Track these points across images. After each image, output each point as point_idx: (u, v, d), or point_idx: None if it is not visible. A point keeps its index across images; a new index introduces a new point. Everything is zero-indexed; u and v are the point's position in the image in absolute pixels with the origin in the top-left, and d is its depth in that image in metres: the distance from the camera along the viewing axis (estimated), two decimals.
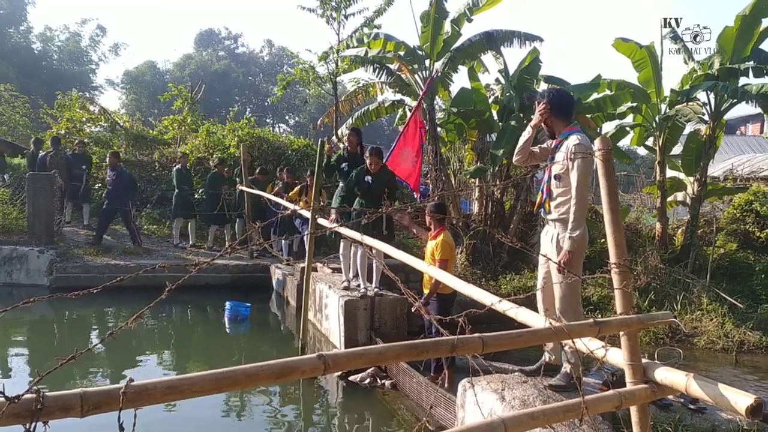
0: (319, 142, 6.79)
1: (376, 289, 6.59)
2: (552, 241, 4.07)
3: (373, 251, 5.68)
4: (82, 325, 8.58)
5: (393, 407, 5.35)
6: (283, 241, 9.37)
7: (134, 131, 14.58)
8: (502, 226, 12.95)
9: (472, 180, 13.75)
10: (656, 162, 13.06)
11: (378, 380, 5.79)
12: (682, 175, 13.02)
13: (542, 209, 4.09)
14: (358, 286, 6.89)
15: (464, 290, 3.67)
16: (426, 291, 5.59)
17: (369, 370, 5.87)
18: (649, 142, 13.28)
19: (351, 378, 5.85)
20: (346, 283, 7.06)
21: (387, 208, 6.61)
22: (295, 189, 10.29)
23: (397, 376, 5.69)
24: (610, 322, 2.27)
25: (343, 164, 6.96)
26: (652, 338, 9.84)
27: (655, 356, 2.36)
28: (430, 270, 4.43)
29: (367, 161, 6.57)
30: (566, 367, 3.95)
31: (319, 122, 13.86)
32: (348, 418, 5.46)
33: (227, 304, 8.18)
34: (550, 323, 2.16)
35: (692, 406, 3.88)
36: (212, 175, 11.60)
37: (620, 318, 2.34)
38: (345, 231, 5.86)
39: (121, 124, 15.38)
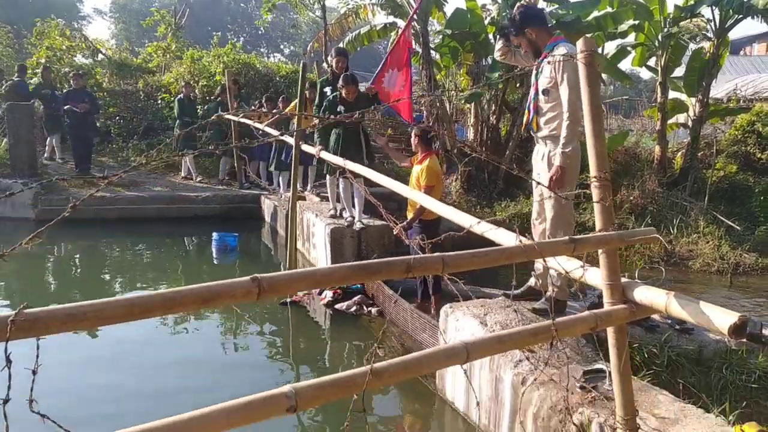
0: (301, 65, 6.47)
1: (359, 223, 6.39)
2: (543, 160, 3.85)
3: (354, 180, 5.48)
4: (66, 257, 8.51)
5: (379, 334, 5.30)
6: (279, 177, 9.13)
7: (117, 60, 14.06)
8: (498, 152, 12.67)
9: (468, 105, 13.37)
10: (657, 83, 12.65)
11: (365, 308, 5.71)
12: (683, 97, 12.63)
13: (531, 128, 3.85)
14: (344, 214, 6.72)
15: (445, 213, 3.50)
16: (410, 216, 5.42)
17: (355, 298, 5.80)
18: (651, 62, 12.82)
19: (337, 306, 5.78)
20: (332, 212, 6.90)
21: (365, 135, 6.38)
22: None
23: (384, 303, 5.62)
24: (587, 239, 2.09)
25: (326, 89, 6.65)
26: (647, 261, 9.79)
27: (635, 276, 2.23)
28: (412, 194, 4.25)
29: (342, 90, 6.25)
30: (551, 291, 3.82)
31: (309, 48, 13.35)
32: (333, 345, 5.42)
33: (214, 235, 8.06)
34: (520, 240, 1.98)
35: (678, 327, 3.78)
36: (180, 101, 11.16)
37: (598, 235, 2.16)
38: (326, 156, 5.65)
39: (104, 51, 14.83)
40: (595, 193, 2.23)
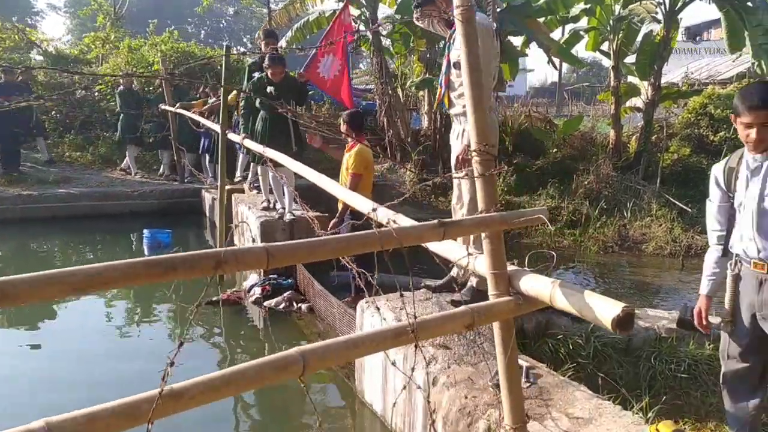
0: (224, 47, 6.10)
1: (290, 214, 6.04)
2: (458, 139, 3.57)
3: (281, 172, 5.16)
4: None
5: (306, 331, 5.00)
6: (210, 165, 8.70)
7: (53, 52, 13.36)
8: None
9: (421, 93, 13.10)
10: (611, 67, 12.53)
11: (294, 304, 5.40)
12: (637, 80, 12.54)
13: (443, 105, 3.56)
14: (277, 206, 6.37)
15: (348, 200, 3.21)
16: (341, 208, 5.11)
17: (285, 294, 5.48)
18: (605, 46, 12.68)
19: (266, 303, 5.45)
20: (266, 203, 6.54)
21: (294, 120, 6.04)
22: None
23: (314, 298, 5.31)
24: (461, 222, 1.81)
25: (255, 73, 6.28)
26: (601, 247, 9.66)
27: (525, 262, 1.97)
28: (335, 190, 3.90)
29: (268, 71, 5.90)
30: (473, 281, 3.55)
31: (256, 37, 12.89)
32: (256, 344, 5.11)
33: (145, 232, 7.63)
34: (377, 226, 1.69)
35: None
36: (121, 93, 10.65)
37: (476, 217, 1.88)
38: (250, 144, 5.31)
39: (39, 44, 14.11)
40: (475, 168, 1.95)
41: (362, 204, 2.97)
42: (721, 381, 2.77)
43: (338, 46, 6.50)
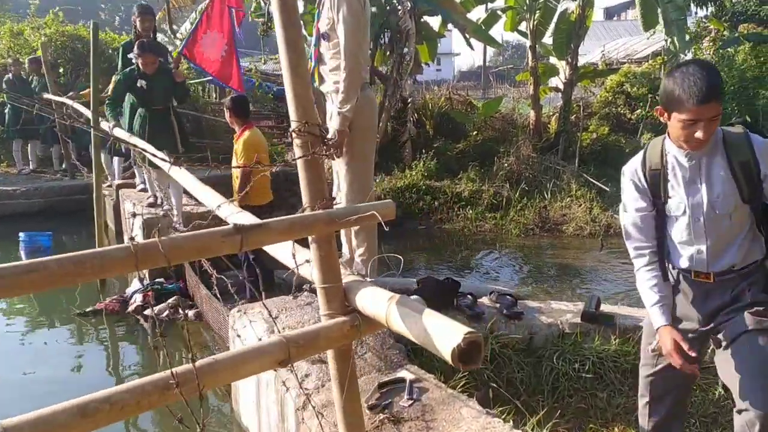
0: (91, 24, 5.41)
1: (176, 211, 5.43)
2: (332, 120, 3.11)
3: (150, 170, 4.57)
4: None
5: (192, 341, 4.46)
6: (116, 159, 7.90)
7: None
8: None
9: None
10: (528, 47, 12.39)
11: (180, 311, 4.84)
12: (555, 60, 12.46)
13: (313, 80, 3.09)
14: (165, 204, 5.75)
15: (199, 195, 2.72)
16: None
17: (170, 301, 4.91)
18: (522, 26, 12.53)
19: (147, 312, 4.86)
20: (152, 199, 5.91)
21: (178, 118, 5.44)
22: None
23: (202, 304, 4.77)
24: (268, 224, 1.35)
25: (131, 54, 5.61)
26: (522, 230, 9.49)
27: (367, 269, 1.56)
28: (213, 201, 3.30)
29: (138, 61, 5.23)
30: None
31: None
32: (133, 359, 4.55)
33: (21, 235, 6.82)
34: (130, 240, 1.20)
35: (507, 312, 3.20)
36: (7, 82, 9.68)
37: (295, 217, 1.43)
38: (120, 134, 4.69)
39: None
40: (296, 149, 1.49)
41: (210, 199, 2.49)
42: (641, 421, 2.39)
43: (222, 20, 5.87)
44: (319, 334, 1.40)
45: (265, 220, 1.36)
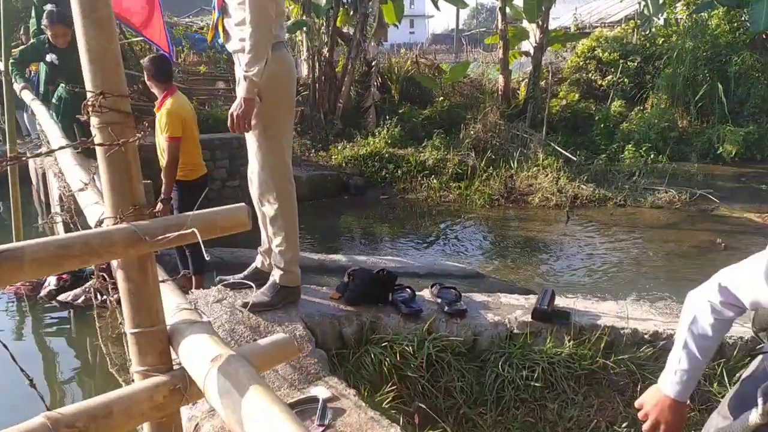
0: None
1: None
2: (239, 87, 2.60)
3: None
4: None
5: (106, 333, 4.00)
6: (26, 115, 7.13)
7: None
8: (334, 89, 11.41)
9: (299, 37, 11.90)
10: (498, 9, 11.84)
11: (99, 296, 4.34)
12: (526, 23, 11.94)
13: (217, 37, 2.57)
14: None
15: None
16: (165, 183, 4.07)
17: (86, 285, 4.42)
18: None
19: (61, 297, 4.36)
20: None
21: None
22: None
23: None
24: (22, 249, 0.89)
25: (47, 5, 4.94)
26: (487, 201, 9.10)
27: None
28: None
29: (48, 32, 4.61)
30: (275, 275, 2.67)
31: None
32: (44, 346, 4.08)
33: None
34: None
35: (448, 310, 2.79)
36: None
37: (84, 234, 0.96)
38: (27, 97, 4.11)
39: None
40: (95, 135, 1.02)
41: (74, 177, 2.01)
42: None
43: None
44: (113, 410, 0.94)
45: (14, 244, 0.89)
